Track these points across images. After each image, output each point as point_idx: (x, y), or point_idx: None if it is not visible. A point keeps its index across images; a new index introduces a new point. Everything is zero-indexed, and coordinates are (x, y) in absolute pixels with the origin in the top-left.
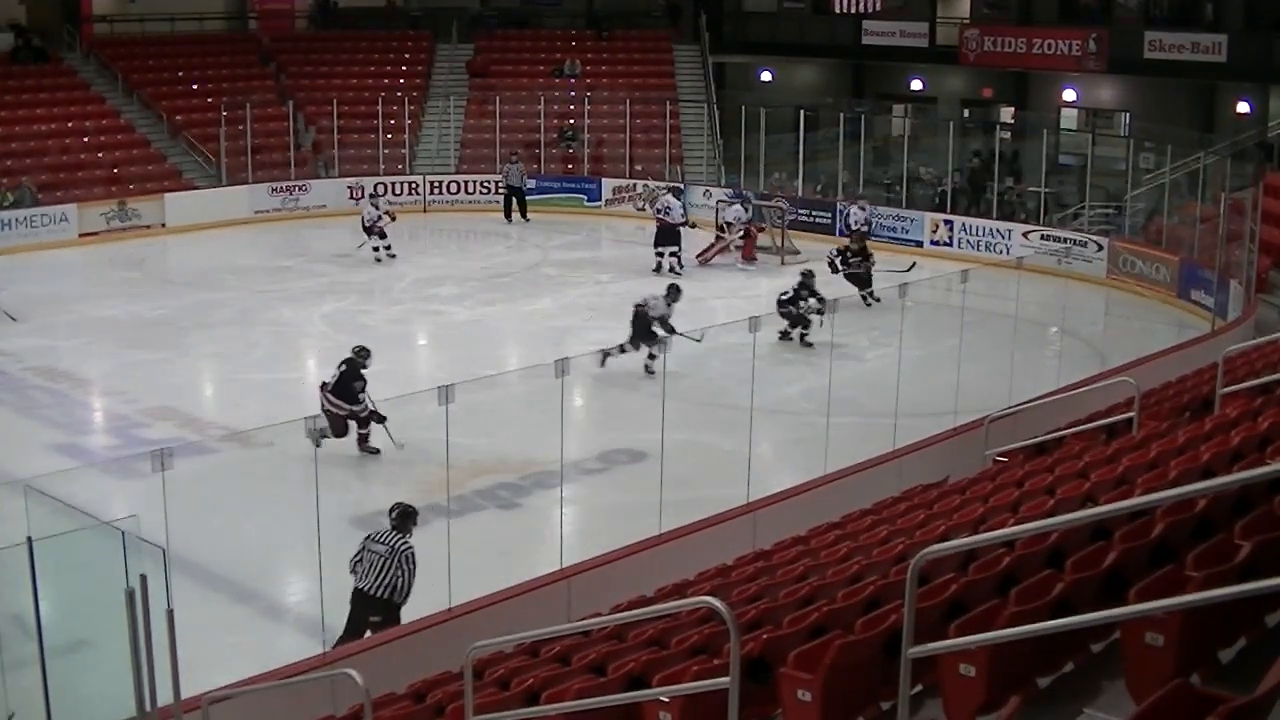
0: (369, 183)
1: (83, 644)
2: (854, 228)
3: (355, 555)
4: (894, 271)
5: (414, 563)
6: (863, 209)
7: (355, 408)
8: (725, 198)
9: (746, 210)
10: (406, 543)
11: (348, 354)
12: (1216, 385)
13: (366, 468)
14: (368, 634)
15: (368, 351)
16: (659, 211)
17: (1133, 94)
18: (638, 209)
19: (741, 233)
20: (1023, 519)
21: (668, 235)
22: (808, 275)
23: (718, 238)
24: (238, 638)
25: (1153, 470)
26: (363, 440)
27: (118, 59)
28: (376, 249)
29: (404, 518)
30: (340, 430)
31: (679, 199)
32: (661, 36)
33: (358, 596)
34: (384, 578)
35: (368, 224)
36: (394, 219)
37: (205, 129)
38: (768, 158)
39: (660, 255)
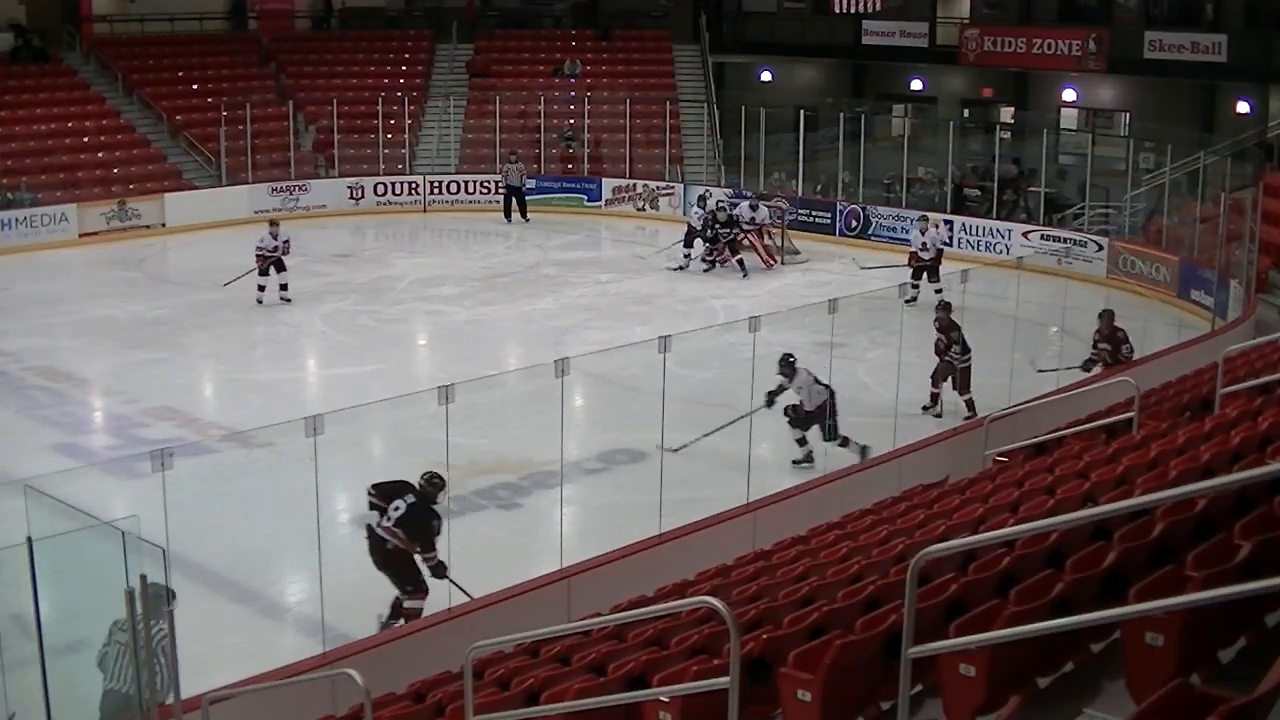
0: (369, 182)
1: (83, 644)
2: (916, 251)
3: (103, 646)
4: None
5: (171, 653)
6: (938, 227)
7: (426, 554)
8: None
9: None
10: (161, 629)
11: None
12: (1216, 385)
13: (367, 468)
14: None
15: (441, 480)
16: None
17: (1133, 94)
18: (638, 209)
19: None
20: (1023, 519)
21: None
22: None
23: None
24: (238, 638)
25: (1153, 470)
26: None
27: (118, 59)
28: (264, 287)
29: (156, 600)
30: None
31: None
32: (661, 36)
33: (109, 698)
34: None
35: (266, 252)
36: (287, 253)
37: (205, 129)
38: (768, 158)
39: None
